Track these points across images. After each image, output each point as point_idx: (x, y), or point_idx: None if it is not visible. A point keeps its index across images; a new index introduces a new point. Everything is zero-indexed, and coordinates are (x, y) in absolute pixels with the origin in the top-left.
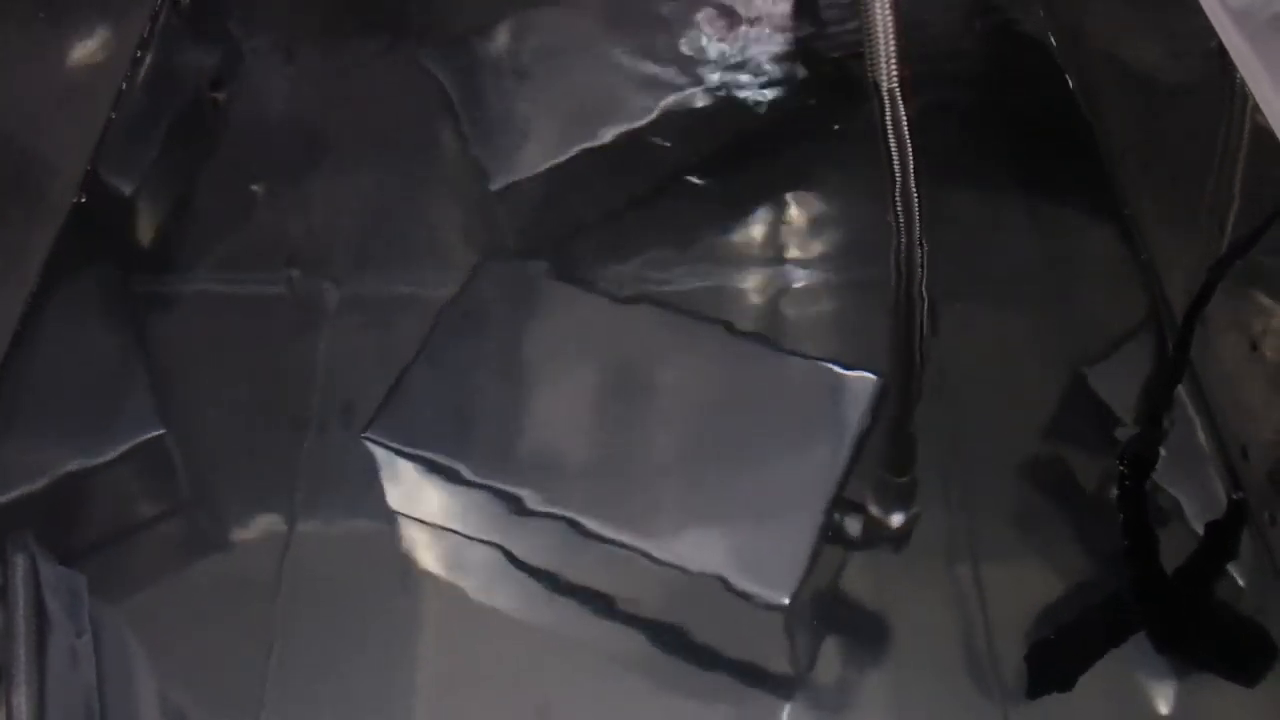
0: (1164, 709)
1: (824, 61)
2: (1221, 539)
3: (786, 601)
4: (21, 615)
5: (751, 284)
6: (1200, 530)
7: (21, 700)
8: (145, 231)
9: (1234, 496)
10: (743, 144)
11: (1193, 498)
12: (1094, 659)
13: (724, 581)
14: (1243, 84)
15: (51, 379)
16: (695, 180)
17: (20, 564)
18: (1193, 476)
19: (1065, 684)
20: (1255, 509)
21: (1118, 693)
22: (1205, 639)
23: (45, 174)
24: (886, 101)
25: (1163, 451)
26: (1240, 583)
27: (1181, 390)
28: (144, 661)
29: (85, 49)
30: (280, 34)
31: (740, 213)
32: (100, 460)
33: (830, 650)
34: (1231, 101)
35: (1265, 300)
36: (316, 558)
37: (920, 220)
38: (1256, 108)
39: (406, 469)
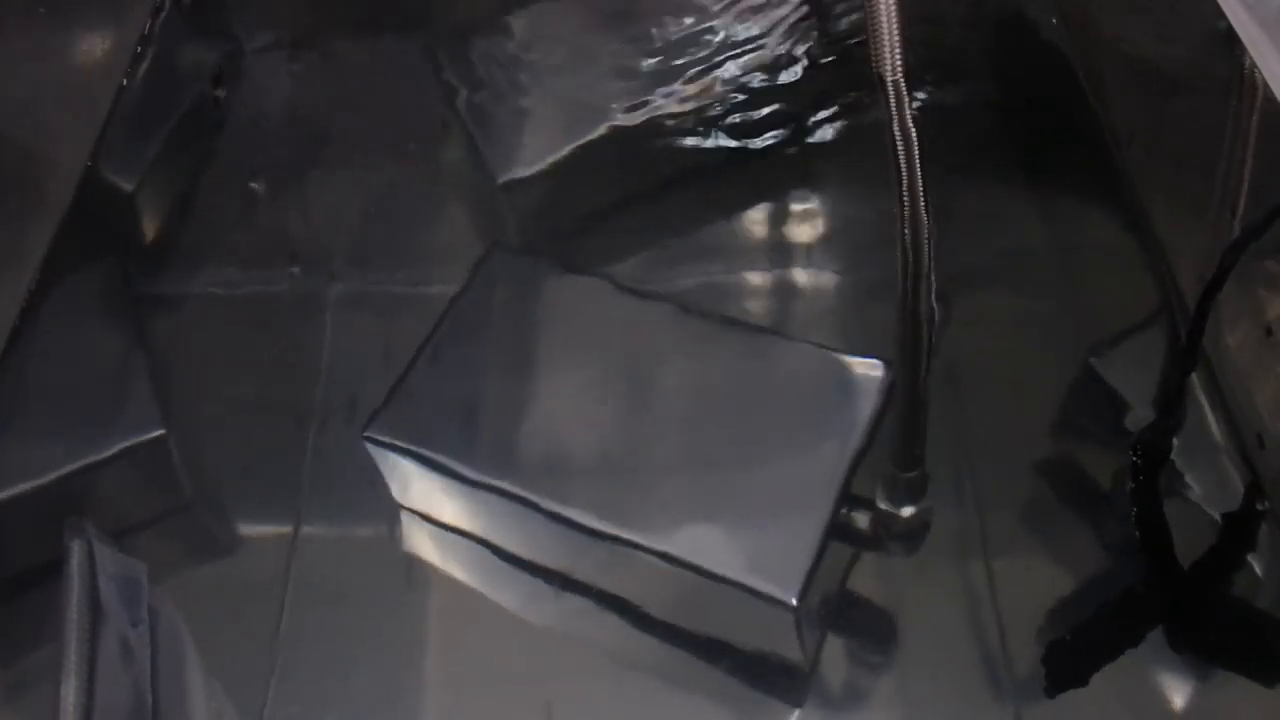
0: (1180, 707)
1: (829, 54)
2: (1238, 531)
3: (795, 601)
4: (75, 605)
5: (756, 279)
6: (1215, 521)
7: (70, 691)
8: (146, 229)
9: (1249, 487)
10: (746, 137)
11: (1207, 489)
12: (1110, 657)
13: (732, 580)
14: (1253, 67)
15: (51, 378)
16: (699, 174)
17: (76, 551)
18: (1207, 467)
19: (1080, 681)
20: (1272, 499)
21: (1132, 690)
22: (1222, 635)
23: (45, 171)
24: (891, 92)
25: (1176, 442)
26: (1258, 574)
27: (1195, 379)
28: (195, 652)
29: (86, 45)
30: (282, 31)
31: (745, 207)
32: (101, 459)
33: (840, 648)
34: (1241, 86)
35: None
36: (320, 556)
37: (927, 212)
38: (1268, 91)
39: (409, 467)
